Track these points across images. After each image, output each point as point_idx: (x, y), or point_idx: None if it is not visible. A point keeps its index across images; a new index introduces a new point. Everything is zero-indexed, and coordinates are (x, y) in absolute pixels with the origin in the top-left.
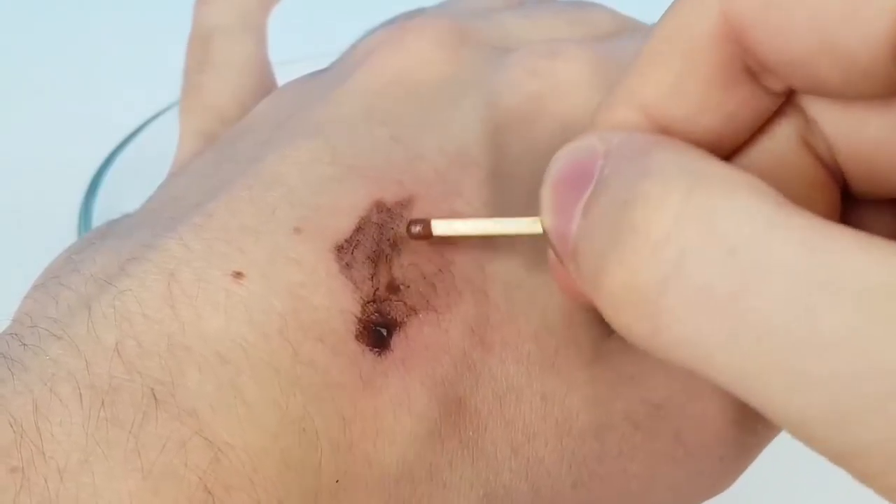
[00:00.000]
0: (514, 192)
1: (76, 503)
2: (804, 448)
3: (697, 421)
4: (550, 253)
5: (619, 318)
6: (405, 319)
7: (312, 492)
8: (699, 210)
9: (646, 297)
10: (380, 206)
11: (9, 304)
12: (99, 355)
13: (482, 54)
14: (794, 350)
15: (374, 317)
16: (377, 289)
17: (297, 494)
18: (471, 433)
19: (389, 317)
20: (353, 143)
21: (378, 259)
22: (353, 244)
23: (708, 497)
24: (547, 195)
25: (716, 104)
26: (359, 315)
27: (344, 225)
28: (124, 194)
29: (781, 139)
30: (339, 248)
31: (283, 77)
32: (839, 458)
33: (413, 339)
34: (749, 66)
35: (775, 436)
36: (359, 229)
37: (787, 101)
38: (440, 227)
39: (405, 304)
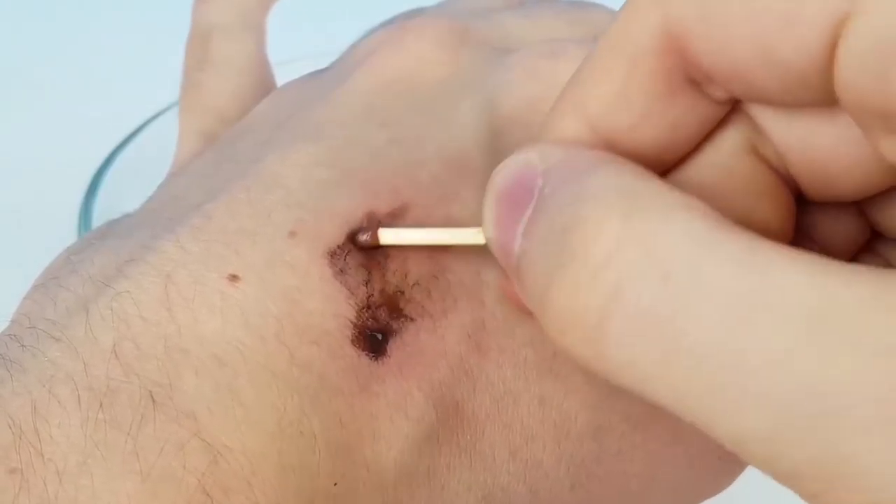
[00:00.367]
0: None
1: None
2: None
3: None
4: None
5: (562, 340)
6: (401, 325)
7: (310, 494)
8: (636, 234)
9: (587, 322)
10: (373, 217)
11: (9, 304)
12: (97, 357)
13: (482, 55)
14: (729, 372)
15: (369, 322)
16: (371, 294)
17: (295, 497)
18: (468, 437)
19: (385, 322)
20: (352, 146)
21: (372, 265)
22: (346, 250)
23: (707, 497)
24: (489, 209)
25: (659, 114)
26: (354, 320)
27: (339, 230)
28: (124, 194)
29: (728, 148)
30: (333, 254)
31: (283, 77)
32: (781, 478)
33: (409, 344)
34: (691, 76)
35: None
36: (353, 235)
37: (734, 109)
38: (387, 237)
39: (401, 310)
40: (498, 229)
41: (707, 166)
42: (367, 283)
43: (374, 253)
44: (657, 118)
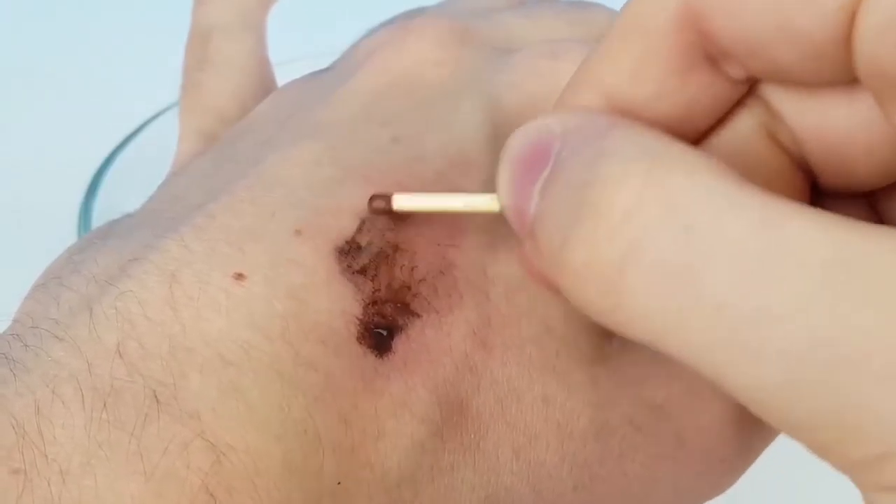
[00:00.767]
0: None
1: None
2: (804, 449)
3: (699, 421)
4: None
5: (579, 294)
6: (406, 321)
7: (314, 494)
8: (658, 188)
9: (606, 274)
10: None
11: (9, 304)
12: (100, 357)
13: (483, 55)
14: (746, 324)
15: (375, 319)
16: (378, 291)
17: (299, 497)
18: (472, 436)
19: (391, 319)
20: (354, 145)
21: (379, 261)
22: (354, 246)
23: (709, 497)
24: (504, 174)
25: (676, 91)
26: (360, 317)
27: (344, 227)
28: (124, 194)
29: (743, 130)
30: (340, 251)
31: (283, 77)
32: (794, 430)
33: (415, 341)
34: (709, 53)
35: (776, 436)
36: (359, 231)
37: (749, 92)
38: (401, 202)
39: (407, 306)
40: (513, 193)
41: (722, 148)
42: (373, 279)
43: (382, 249)
44: (674, 95)
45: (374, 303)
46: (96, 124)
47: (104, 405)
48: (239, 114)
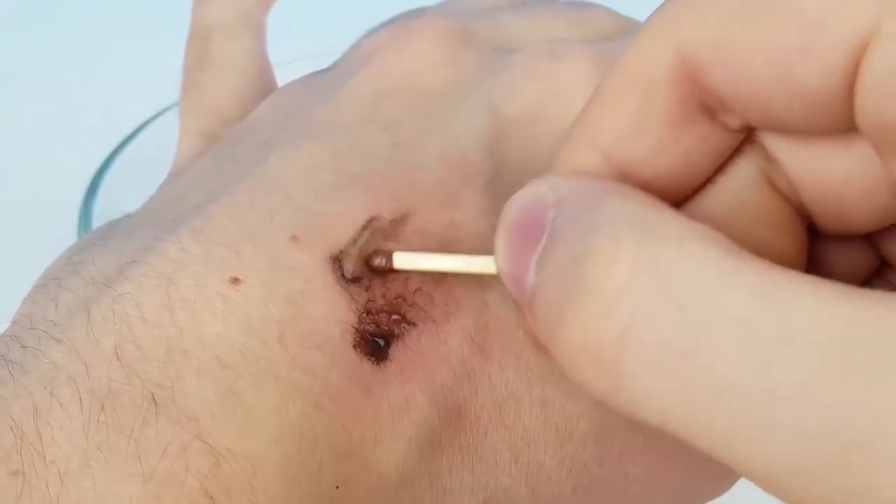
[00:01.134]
0: None
1: None
2: None
3: None
4: None
5: (578, 374)
6: (403, 330)
7: (312, 497)
8: (650, 264)
9: (603, 356)
10: (375, 224)
11: (9, 304)
12: (98, 359)
13: (483, 55)
14: (752, 405)
15: (371, 327)
16: (373, 300)
17: (297, 500)
18: (471, 440)
19: (387, 327)
20: (355, 149)
21: (374, 269)
22: (349, 254)
23: (707, 500)
24: (501, 243)
25: (674, 144)
26: (356, 325)
27: (342, 235)
28: (124, 194)
29: (742, 178)
30: (336, 259)
31: (283, 77)
32: None
33: (411, 348)
34: (706, 104)
35: None
36: (354, 243)
37: (746, 139)
38: (401, 261)
39: (403, 314)
40: (510, 263)
41: (720, 197)
42: (368, 288)
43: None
44: (672, 148)
45: (370, 312)
46: (96, 124)
47: (102, 407)
48: (239, 114)
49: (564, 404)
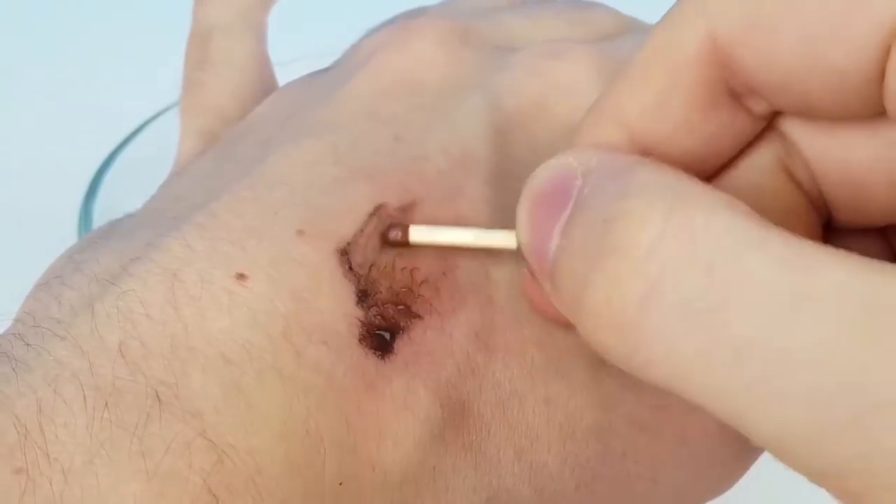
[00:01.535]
0: (516, 192)
1: None
2: None
3: (701, 422)
4: (524, 272)
5: (598, 336)
6: (409, 323)
7: (316, 494)
8: (680, 227)
9: (627, 315)
10: (383, 210)
11: (9, 304)
12: (102, 356)
13: (484, 54)
14: (771, 366)
15: (377, 320)
16: (380, 293)
17: (301, 497)
18: (474, 437)
19: (393, 321)
20: (357, 144)
21: (381, 263)
22: (356, 245)
23: (709, 499)
24: (524, 213)
25: (698, 125)
26: (362, 319)
27: (347, 228)
28: (124, 194)
29: (761, 165)
30: (343, 252)
31: (283, 77)
32: (819, 477)
33: (417, 342)
34: (732, 88)
35: None
36: (362, 232)
37: (768, 126)
38: (418, 235)
39: (409, 308)
40: (533, 232)
41: (737, 182)
42: (375, 281)
43: (383, 251)
44: (696, 129)
45: (376, 305)
46: (96, 124)
47: (106, 404)
48: (239, 114)
49: (567, 402)
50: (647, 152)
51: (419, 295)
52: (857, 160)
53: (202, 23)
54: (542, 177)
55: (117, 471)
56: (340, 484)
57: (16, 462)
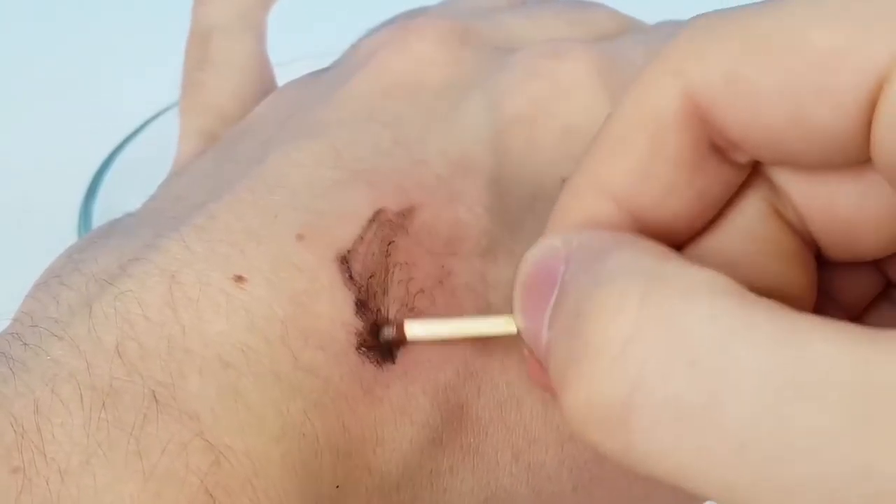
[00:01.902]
0: (516, 195)
1: None
2: None
3: None
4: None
5: (587, 435)
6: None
7: (313, 497)
8: (656, 317)
9: (611, 415)
10: (382, 216)
11: (9, 304)
12: (100, 356)
13: (484, 55)
14: (773, 460)
15: (375, 327)
16: (379, 309)
17: (298, 499)
18: (472, 439)
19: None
20: (357, 146)
21: (380, 269)
22: (356, 253)
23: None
24: (518, 298)
25: (685, 185)
26: (360, 325)
27: (347, 233)
28: (124, 194)
29: (752, 212)
30: (343, 260)
31: (283, 77)
32: None
33: (415, 350)
34: (715, 143)
35: None
36: (362, 238)
37: (753, 171)
38: (415, 330)
39: (407, 314)
40: (526, 318)
41: (731, 232)
42: (374, 287)
43: (383, 256)
44: (683, 189)
45: (374, 311)
46: (96, 124)
47: (103, 405)
48: (239, 114)
49: None
50: (636, 219)
51: (417, 304)
52: (842, 203)
53: (202, 23)
54: (529, 261)
55: (114, 471)
56: (337, 487)
57: (13, 461)
